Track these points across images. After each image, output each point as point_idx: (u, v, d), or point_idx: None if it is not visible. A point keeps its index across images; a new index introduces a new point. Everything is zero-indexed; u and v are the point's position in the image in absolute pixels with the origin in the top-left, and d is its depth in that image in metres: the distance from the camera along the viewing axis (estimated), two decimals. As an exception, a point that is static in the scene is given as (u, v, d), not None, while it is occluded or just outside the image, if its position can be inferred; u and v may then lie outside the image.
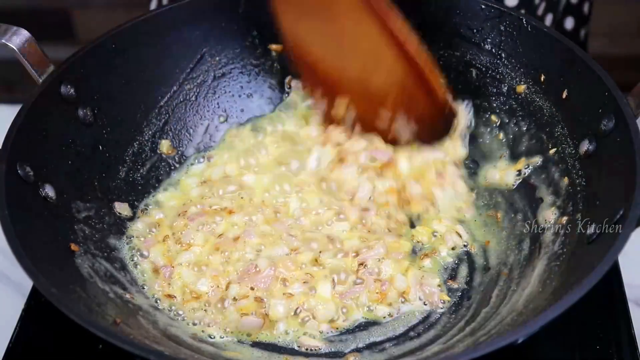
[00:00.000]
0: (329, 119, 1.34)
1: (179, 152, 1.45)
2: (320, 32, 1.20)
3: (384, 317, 1.22)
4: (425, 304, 1.23)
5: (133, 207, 1.35)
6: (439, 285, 1.26)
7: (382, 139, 1.33)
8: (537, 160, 1.34)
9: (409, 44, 1.19)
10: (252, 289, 1.22)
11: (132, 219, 1.34)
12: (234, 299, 1.21)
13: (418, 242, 1.32)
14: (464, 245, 1.32)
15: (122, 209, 1.32)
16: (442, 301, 1.24)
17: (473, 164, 1.43)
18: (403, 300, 1.23)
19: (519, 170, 1.37)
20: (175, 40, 1.41)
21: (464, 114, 1.43)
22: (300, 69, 1.29)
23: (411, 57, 1.20)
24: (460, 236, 1.32)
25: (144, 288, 1.24)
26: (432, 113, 1.27)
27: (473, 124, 1.44)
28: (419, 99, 1.24)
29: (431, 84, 1.24)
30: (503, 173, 1.39)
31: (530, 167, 1.35)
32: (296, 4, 1.18)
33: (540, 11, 1.76)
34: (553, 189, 1.29)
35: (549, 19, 1.78)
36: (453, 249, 1.31)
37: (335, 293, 1.23)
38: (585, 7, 1.87)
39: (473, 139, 1.44)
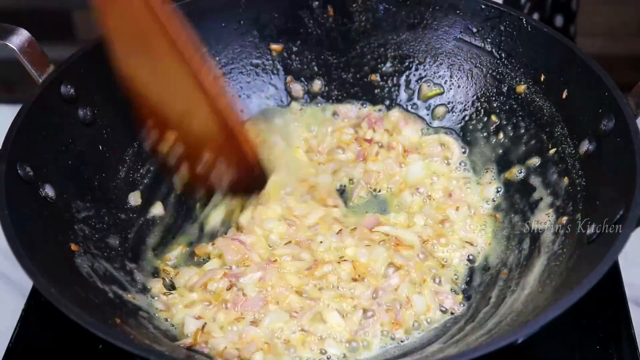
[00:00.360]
0: (155, 151, 1.33)
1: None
2: (148, 69, 1.21)
3: (403, 340, 1.19)
4: (444, 312, 1.22)
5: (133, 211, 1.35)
6: (452, 290, 1.25)
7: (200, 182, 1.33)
8: (536, 161, 1.34)
9: (220, 100, 1.20)
10: (241, 317, 1.18)
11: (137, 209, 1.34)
12: (221, 327, 1.18)
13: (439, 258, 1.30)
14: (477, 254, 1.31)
15: (135, 198, 1.34)
16: (461, 304, 1.23)
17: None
18: (424, 318, 1.21)
19: (507, 181, 1.37)
20: (175, 40, 1.41)
21: (456, 145, 1.43)
22: (131, 98, 1.27)
23: (221, 113, 1.20)
24: (475, 245, 1.31)
25: (144, 288, 1.24)
26: (244, 170, 1.27)
27: (468, 152, 1.44)
28: (228, 154, 1.25)
29: (238, 142, 1.23)
30: (482, 188, 1.38)
31: (523, 173, 1.36)
32: (128, 39, 1.18)
33: (526, 10, 1.76)
34: (553, 189, 1.29)
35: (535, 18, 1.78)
36: (469, 260, 1.29)
37: (346, 328, 1.18)
38: (573, 4, 1.87)
39: (469, 144, 1.45)
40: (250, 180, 1.29)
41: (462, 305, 1.23)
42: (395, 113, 1.47)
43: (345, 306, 1.19)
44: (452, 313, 1.22)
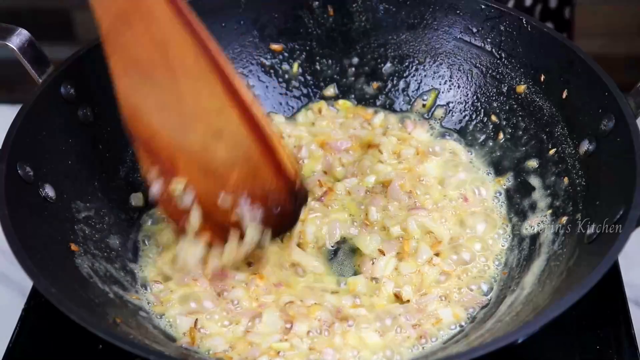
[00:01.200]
0: (165, 201, 1.18)
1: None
2: (158, 99, 1.09)
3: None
4: (468, 312, 1.20)
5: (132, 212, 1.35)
6: (471, 290, 1.23)
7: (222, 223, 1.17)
8: (535, 161, 1.34)
9: (255, 110, 1.07)
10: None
11: (138, 209, 1.34)
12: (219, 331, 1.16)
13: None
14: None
15: (136, 200, 1.34)
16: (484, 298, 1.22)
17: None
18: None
19: (502, 184, 1.37)
20: (175, 40, 1.41)
21: (463, 152, 1.42)
22: (136, 145, 1.16)
23: (257, 125, 1.07)
24: (491, 249, 1.28)
25: (144, 288, 1.24)
26: (280, 192, 1.14)
27: (472, 154, 1.43)
28: (266, 175, 1.12)
29: (279, 156, 1.11)
30: (481, 190, 1.37)
31: (512, 180, 1.36)
32: (134, 64, 1.08)
33: None
34: (552, 190, 1.29)
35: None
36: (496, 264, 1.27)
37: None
38: (566, 12, 1.85)
39: (469, 145, 1.44)
40: (290, 206, 1.15)
41: (484, 297, 1.21)
42: (403, 119, 1.47)
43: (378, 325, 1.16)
44: (477, 307, 1.20)
